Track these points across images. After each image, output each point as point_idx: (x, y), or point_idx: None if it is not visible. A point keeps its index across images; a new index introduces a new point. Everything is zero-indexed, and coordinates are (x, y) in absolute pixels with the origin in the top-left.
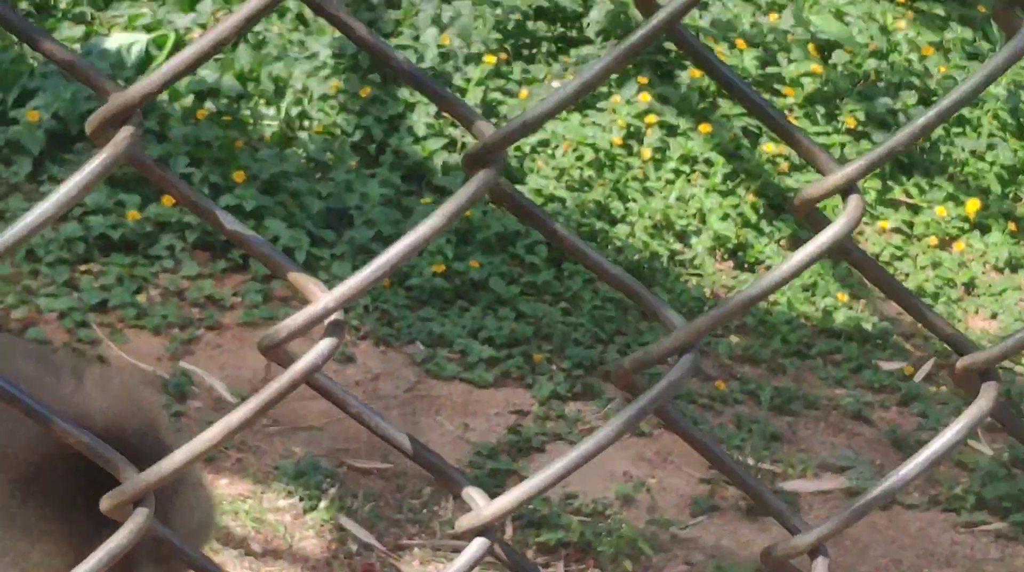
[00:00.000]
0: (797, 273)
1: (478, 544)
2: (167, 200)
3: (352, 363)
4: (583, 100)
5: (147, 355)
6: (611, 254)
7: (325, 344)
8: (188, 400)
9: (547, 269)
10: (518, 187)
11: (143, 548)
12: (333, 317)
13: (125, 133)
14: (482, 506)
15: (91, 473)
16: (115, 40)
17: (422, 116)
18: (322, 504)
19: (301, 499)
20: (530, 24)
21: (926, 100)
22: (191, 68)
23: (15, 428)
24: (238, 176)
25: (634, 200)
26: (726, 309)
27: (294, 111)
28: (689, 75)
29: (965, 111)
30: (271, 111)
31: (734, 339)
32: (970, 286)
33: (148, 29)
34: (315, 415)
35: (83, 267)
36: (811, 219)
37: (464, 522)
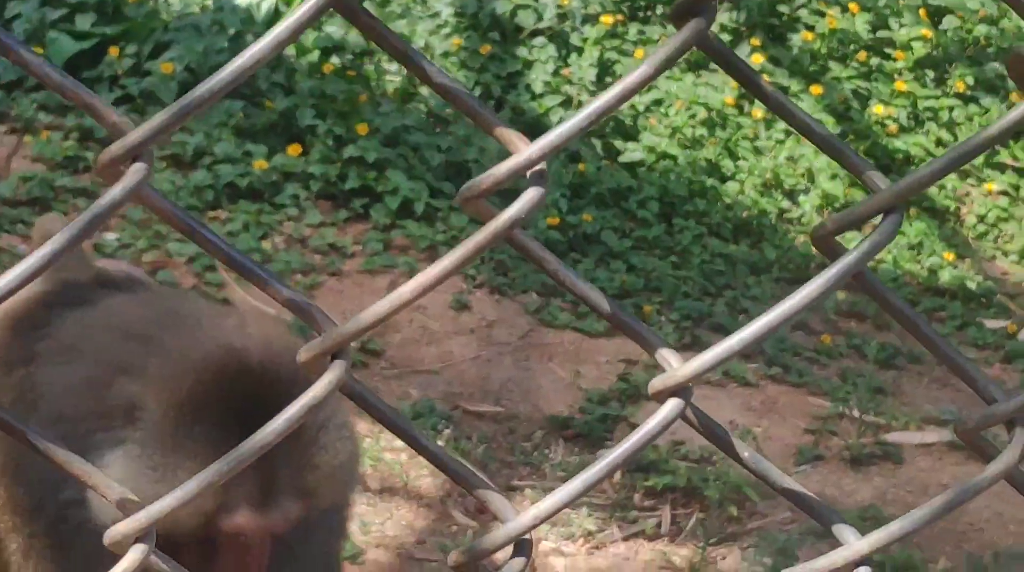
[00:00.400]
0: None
1: (671, 405)
2: (293, 150)
3: (468, 310)
4: (696, 60)
5: (270, 300)
6: (720, 210)
7: (531, 193)
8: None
9: (658, 224)
10: (631, 144)
11: (286, 477)
12: (537, 167)
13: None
14: (676, 367)
15: (241, 401)
16: None
17: (540, 74)
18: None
19: None
20: None
21: None
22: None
23: (174, 357)
24: (361, 129)
25: (744, 158)
26: (929, 171)
27: None
28: (801, 38)
29: None
30: (394, 67)
31: (840, 295)
32: None
33: None
34: (431, 359)
35: (211, 213)
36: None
37: (657, 383)
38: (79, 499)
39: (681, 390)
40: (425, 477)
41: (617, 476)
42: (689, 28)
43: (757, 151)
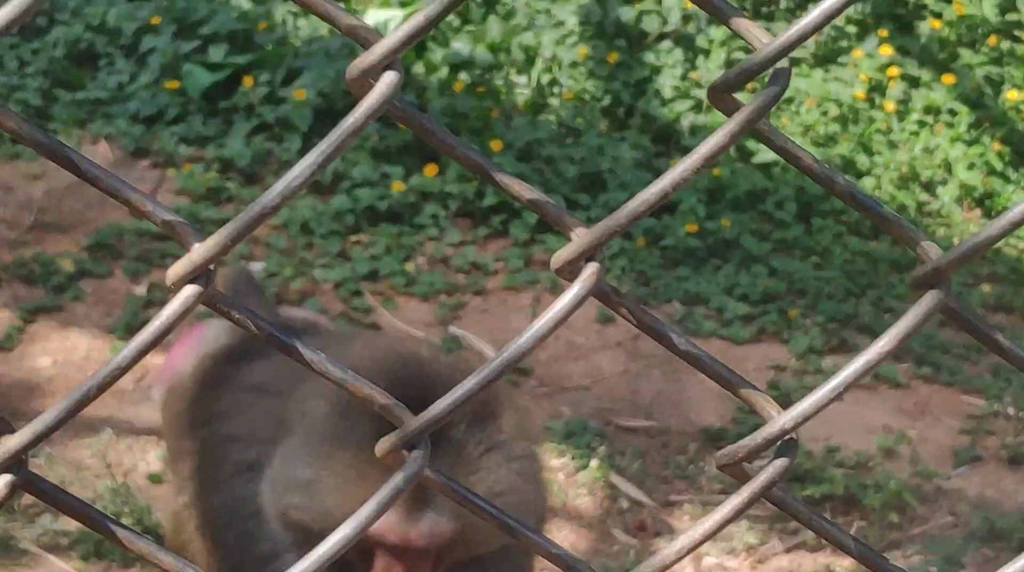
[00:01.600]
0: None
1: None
2: (429, 170)
3: (612, 323)
4: (825, 55)
5: (417, 321)
6: None
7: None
8: None
9: (797, 225)
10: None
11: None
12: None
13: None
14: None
15: (400, 397)
16: (372, 16)
17: (668, 79)
18: (592, 463)
19: (572, 458)
20: None
21: None
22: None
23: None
24: (495, 145)
25: (879, 153)
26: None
27: (544, 79)
28: (929, 26)
29: None
30: (523, 79)
31: (986, 288)
32: None
33: (403, 4)
34: (580, 375)
35: (353, 238)
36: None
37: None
38: (273, 554)
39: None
40: (584, 496)
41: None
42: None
43: (891, 145)
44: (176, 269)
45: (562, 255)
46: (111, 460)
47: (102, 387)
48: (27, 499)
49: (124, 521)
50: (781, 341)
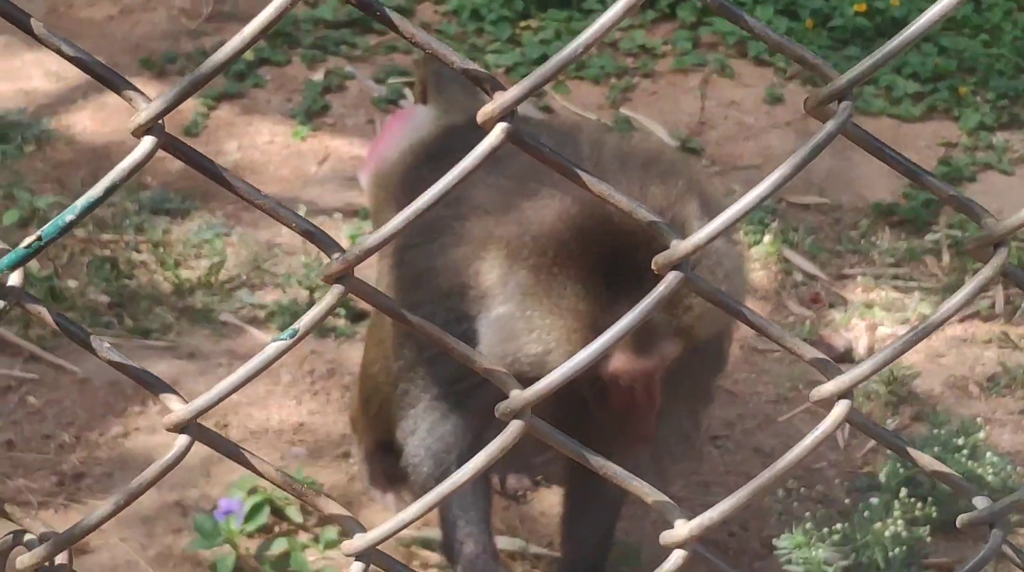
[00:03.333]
0: None
1: None
2: None
3: (781, 103)
4: None
5: (589, 104)
6: None
7: None
8: None
9: (966, 3)
10: None
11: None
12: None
13: None
14: None
15: (604, 255)
16: None
17: None
18: (766, 238)
19: (746, 234)
20: None
21: None
22: None
23: (530, 214)
24: None
25: None
26: None
27: None
28: None
29: None
30: None
31: None
32: None
33: None
34: (750, 154)
35: (523, 23)
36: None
37: None
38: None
39: None
40: (758, 270)
41: (946, 258)
42: None
43: None
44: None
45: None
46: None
47: None
48: (223, 274)
49: (317, 295)
50: (951, 118)
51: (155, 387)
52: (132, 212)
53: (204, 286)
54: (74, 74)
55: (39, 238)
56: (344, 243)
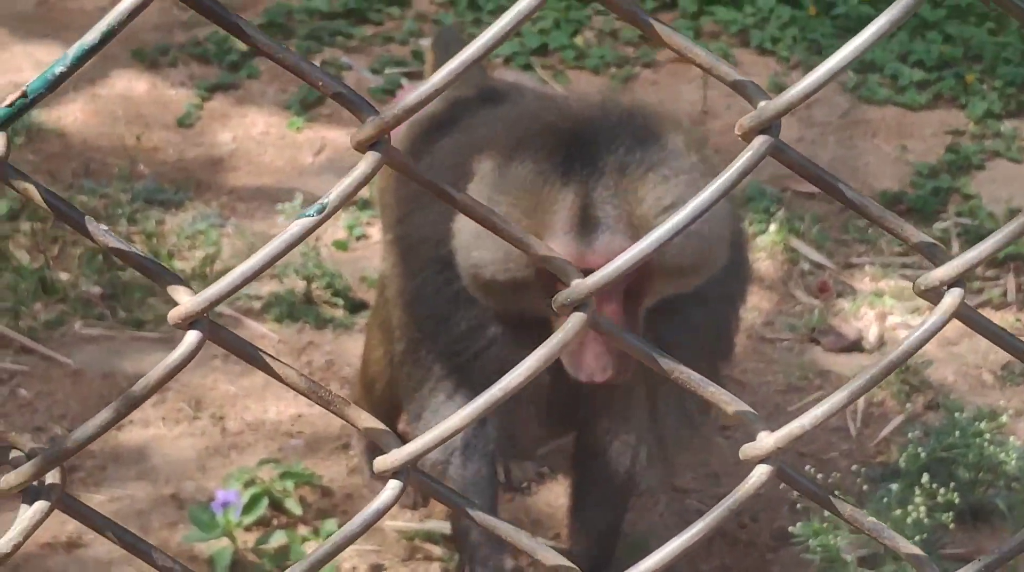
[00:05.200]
0: None
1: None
2: None
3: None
4: None
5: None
6: None
7: None
8: None
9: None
10: None
11: None
12: None
13: None
14: None
15: (561, 137)
16: None
17: None
18: (771, 227)
19: (751, 223)
20: None
21: None
22: None
23: (507, 126)
24: None
25: None
26: None
27: None
28: None
29: None
30: None
31: None
32: None
33: None
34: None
35: None
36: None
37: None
38: (472, 329)
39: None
40: (764, 260)
41: (956, 247)
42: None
43: None
44: None
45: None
46: None
47: None
48: (218, 265)
49: (315, 285)
50: (958, 106)
51: (161, 277)
52: (125, 202)
53: (199, 277)
54: None
55: (24, 95)
56: (341, 234)
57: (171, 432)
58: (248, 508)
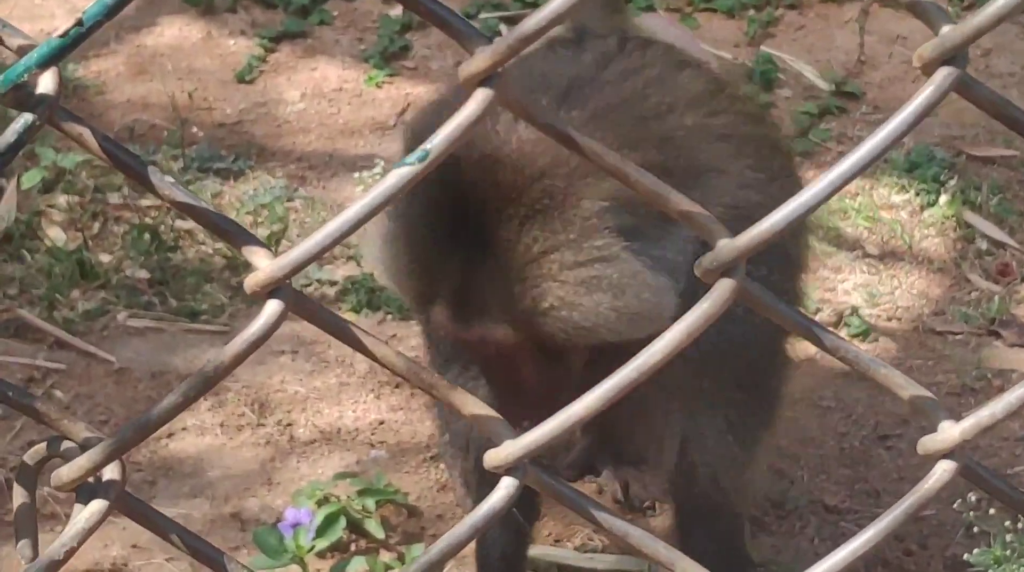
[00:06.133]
0: None
1: None
2: None
3: None
4: None
5: (723, 41)
6: None
7: None
8: (776, 89)
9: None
10: None
11: None
12: None
13: None
14: None
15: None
16: None
17: None
18: (942, 199)
19: (917, 194)
20: None
21: None
22: None
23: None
24: None
25: None
26: None
27: None
28: None
29: None
30: None
31: None
32: None
33: None
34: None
35: None
36: None
37: None
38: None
39: None
40: (932, 238)
41: None
42: None
43: None
44: None
45: None
46: None
47: None
48: (284, 245)
49: None
50: None
51: (236, 237)
52: (176, 171)
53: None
54: None
55: (79, 23)
56: None
57: (231, 441)
58: (322, 530)
